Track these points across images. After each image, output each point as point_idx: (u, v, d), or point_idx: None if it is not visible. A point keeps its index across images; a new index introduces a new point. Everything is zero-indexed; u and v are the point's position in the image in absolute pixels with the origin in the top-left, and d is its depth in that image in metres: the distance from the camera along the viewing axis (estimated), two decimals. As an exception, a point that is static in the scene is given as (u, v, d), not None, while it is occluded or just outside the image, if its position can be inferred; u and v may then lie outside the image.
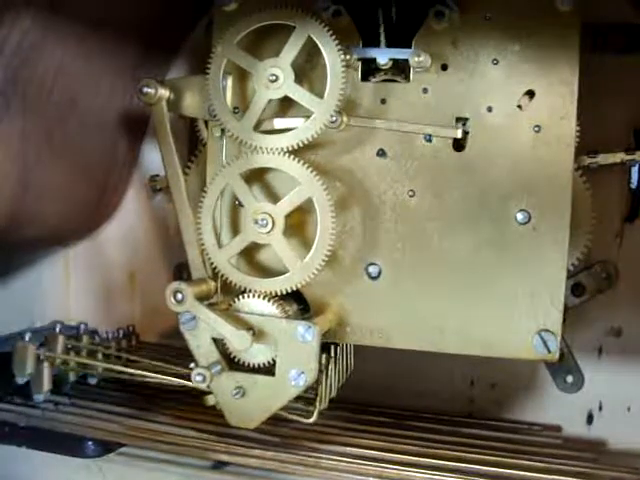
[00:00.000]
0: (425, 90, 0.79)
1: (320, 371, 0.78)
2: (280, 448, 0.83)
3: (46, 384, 0.93)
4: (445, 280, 0.80)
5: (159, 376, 0.86)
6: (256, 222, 0.77)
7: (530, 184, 0.77)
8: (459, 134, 0.78)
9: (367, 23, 0.80)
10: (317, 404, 0.81)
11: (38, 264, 1.22)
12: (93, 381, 1.02)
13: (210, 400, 0.81)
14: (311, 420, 0.81)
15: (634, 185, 0.97)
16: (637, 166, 0.96)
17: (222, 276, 0.81)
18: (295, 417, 0.82)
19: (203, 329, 0.79)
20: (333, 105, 0.75)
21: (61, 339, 0.95)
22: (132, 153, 1.14)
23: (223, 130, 0.82)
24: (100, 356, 0.97)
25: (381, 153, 0.81)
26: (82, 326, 1.03)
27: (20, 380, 0.92)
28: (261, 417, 0.79)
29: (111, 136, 1.07)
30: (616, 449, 0.99)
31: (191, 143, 1.07)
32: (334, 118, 0.77)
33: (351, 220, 0.82)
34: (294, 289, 0.79)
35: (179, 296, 0.77)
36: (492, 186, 0.78)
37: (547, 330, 0.77)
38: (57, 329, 0.97)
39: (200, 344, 0.79)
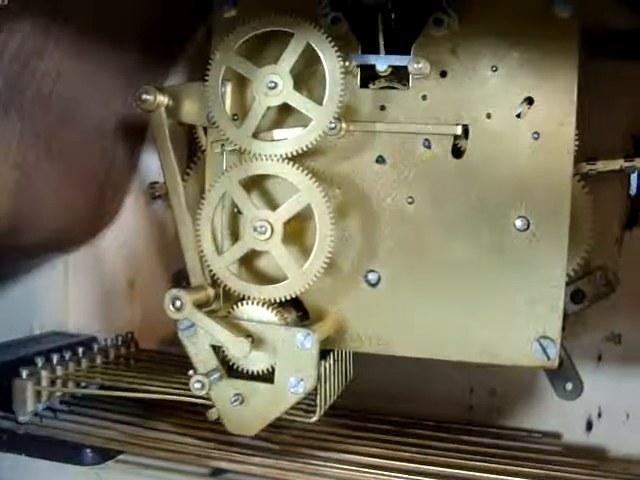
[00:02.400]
0: (424, 97, 0.79)
1: (319, 378, 0.78)
2: (280, 455, 0.83)
3: (30, 405, 0.92)
4: (444, 287, 0.80)
5: (159, 396, 0.87)
6: (255, 229, 0.77)
7: (529, 191, 0.77)
8: (458, 130, 0.78)
9: (366, 30, 0.80)
10: (319, 403, 0.80)
11: (37, 271, 1.21)
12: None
13: (213, 414, 0.81)
14: (313, 419, 0.81)
15: (633, 192, 0.97)
16: (636, 173, 0.95)
17: (221, 283, 0.80)
18: (297, 417, 0.81)
19: (202, 336, 0.78)
20: (332, 112, 0.75)
21: (59, 370, 0.95)
22: (131, 159, 1.14)
23: (223, 145, 0.82)
24: (99, 379, 0.97)
25: (380, 160, 0.81)
26: (80, 349, 1.03)
27: (23, 419, 0.91)
28: (260, 424, 0.79)
29: (110, 142, 1.07)
30: (615, 456, 0.99)
31: (190, 150, 1.07)
32: (333, 125, 0.77)
33: (350, 227, 0.82)
34: (293, 296, 0.78)
35: (178, 303, 0.77)
36: (491, 193, 0.78)
37: (546, 337, 0.77)
38: (54, 359, 0.97)
39: (199, 351, 0.79)
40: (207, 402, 0.81)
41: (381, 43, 0.79)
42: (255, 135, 0.78)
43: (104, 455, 0.86)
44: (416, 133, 0.79)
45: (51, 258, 1.20)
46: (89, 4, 0.86)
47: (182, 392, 0.86)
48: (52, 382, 0.94)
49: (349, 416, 0.99)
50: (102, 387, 0.98)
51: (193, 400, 0.83)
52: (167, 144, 0.82)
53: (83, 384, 0.98)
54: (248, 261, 0.83)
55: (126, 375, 0.97)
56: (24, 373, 0.92)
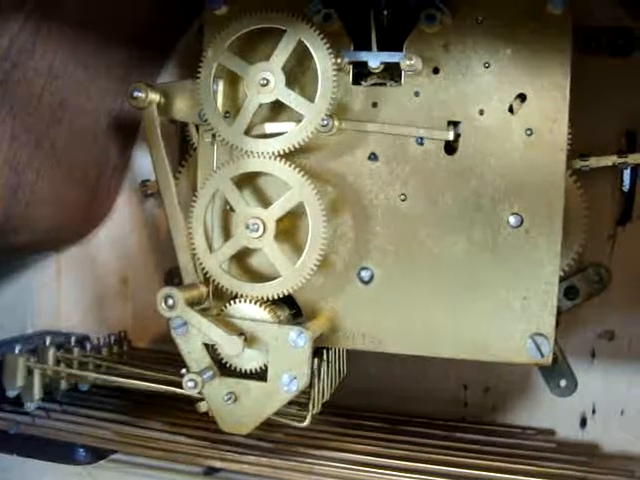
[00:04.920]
0: (417, 93, 0.79)
1: (312, 376, 0.78)
2: (273, 454, 0.83)
3: (37, 393, 0.92)
4: (438, 284, 0.80)
5: (151, 385, 0.86)
6: (247, 227, 0.77)
7: (522, 187, 0.77)
8: (451, 136, 0.78)
9: (358, 26, 0.79)
10: (310, 408, 0.80)
11: (29, 269, 1.21)
12: (84, 388, 1.01)
13: (203, 407, 0.81)
14: (304, 424, 0.81)
15: (626, 188, 0.97)
16: (629, 169, 0.96)
17: (213, 281, 0.80)
18: (288, 421, 0.81)
19: (194, 334, 0.78)
20: (324, 109, 0.75)
21: (52, 351, 0.94)
22: (123, 158, 1.14)
23: (214, 135, 0.81)
24: (91, 366, 0.97)
25: (372, 157, 0.80)
26: (73, 338, 1.03)
27: (11, 393, 0.91)
28: (254, 423, 0.79)
29: (102, 140, 1.06)
30: (609, 452, 0.99)
31: (182, 147, 1.06)
32: (325, 122, 0.77)
33: (343, 224, 0.82)
34: (286, 294, 0.78)
35: (170, 301, 0.77)
36: (484, 189, 0.78)
37: (540, 334, 0.77)
38: (47, 341, 0.96)
39: (191, 350, 0.79)
40: (200, 396, 0.81)
41: (373, 40, 0.79)
42: (247, 132, 0.78)
43: (97, 454, 0.86)
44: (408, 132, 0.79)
45: (43, 257, 1.20)
46: (80, 2, 0.86)
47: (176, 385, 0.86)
48: (43, 374, 0.94)
49: (343, 414, 0.99)
50: (94, 386, 0.97)
51: (186, 392, 0.83)
52: (159, 142, 0.82)
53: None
54: (240, 259, 0.83)
55: (119, 370, 0.97)
56: (17, 348, 0.92)
